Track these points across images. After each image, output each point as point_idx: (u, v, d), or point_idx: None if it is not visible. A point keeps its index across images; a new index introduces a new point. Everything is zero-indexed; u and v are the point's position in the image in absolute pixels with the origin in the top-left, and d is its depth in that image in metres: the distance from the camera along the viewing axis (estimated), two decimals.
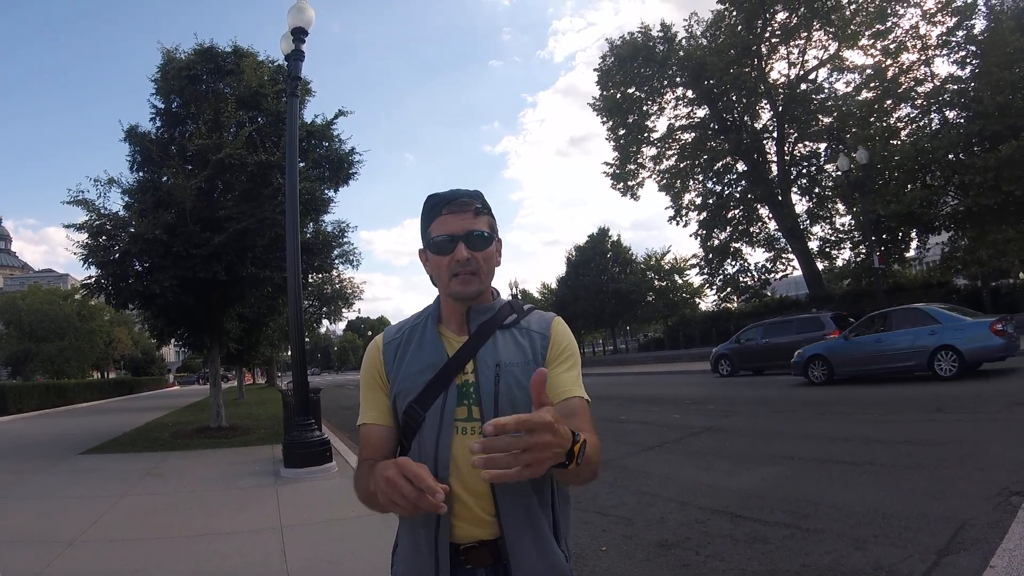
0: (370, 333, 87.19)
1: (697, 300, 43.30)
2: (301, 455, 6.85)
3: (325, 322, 37.75)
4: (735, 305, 35.23)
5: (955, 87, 21.85)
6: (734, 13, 29.36)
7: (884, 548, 3.35)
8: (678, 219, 34.64)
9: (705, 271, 35.70)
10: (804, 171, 31.47)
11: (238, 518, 5.09)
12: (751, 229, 33.38)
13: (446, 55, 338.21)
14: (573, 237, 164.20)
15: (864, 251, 25.14)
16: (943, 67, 23.96)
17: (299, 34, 7.38)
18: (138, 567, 3.93)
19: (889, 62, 25.05)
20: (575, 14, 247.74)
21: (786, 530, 3.84)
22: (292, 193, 7.34)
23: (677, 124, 33.84)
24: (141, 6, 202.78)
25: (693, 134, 33.80)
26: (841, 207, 28.93)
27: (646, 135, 34.59)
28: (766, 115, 31.68)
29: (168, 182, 10.00)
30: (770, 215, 31.83)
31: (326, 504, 5.51)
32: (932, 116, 23.50)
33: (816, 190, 30.94)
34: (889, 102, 24.54)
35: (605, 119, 34.74)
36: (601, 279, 43.22)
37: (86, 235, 9.85)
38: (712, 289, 37.09)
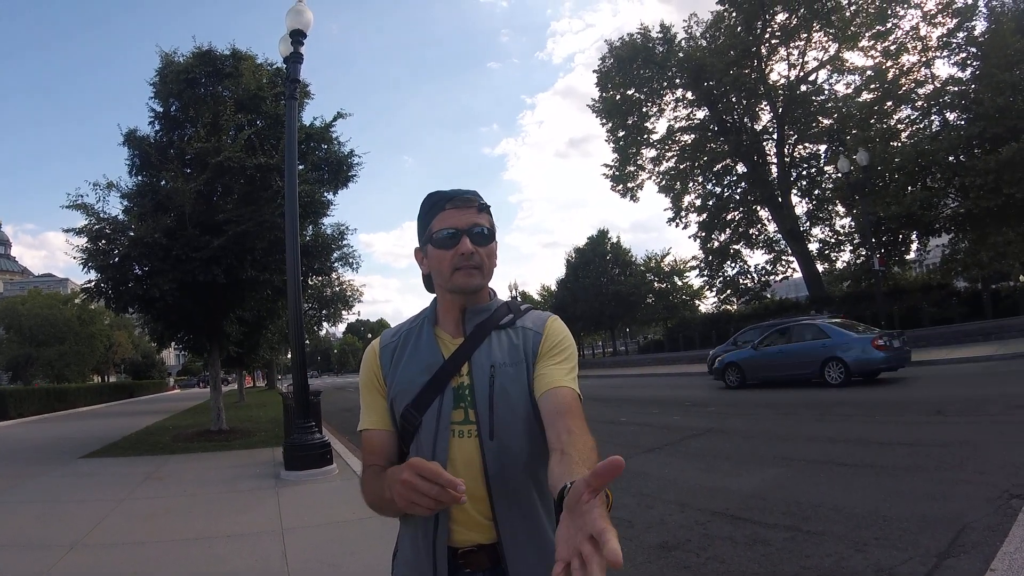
0: (370, 336, 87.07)
1: (697, 302, 43.17)
2: (301, 458, 6.86)
3: (325, 325, 37.65)
4: (735, 307, 35.20)
5: (955, 89, 21.84)
6: (734, 14, 29.33)
7: (885, 550, 3.34)
8: (678, 221, 34.74)
9: (705, 273, 35.71)
10: (804, 173, 31.49)
11: (239, 521, 5.09)
12: (751, 231, 33.39)
13: (445, 57, 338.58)
14: (572, 239, 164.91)
15: (864, 253, 25.06)
16: (943, 69, 24.06)
17: (298, 36, 7.38)
18: (139, 571, 3.93)
19: (889, 63, 25.09)
20: (574, 15, 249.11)
21: (787, 532, 3.84)
22: (291, 196, 7.34)
23: (677, 125, 33.90)
24: (139, 11, 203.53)
25: (693, 135, 33.82)
26: (841, 209, 28.86)
27: (646, 136, 34.63)
28: (766, 116, 31.74)
29: (167, 186, 10.02)
30: (770, 217, 31.83)
31: (327, 507, 5.52)
32: (932, 118, 23.49)
33: (816, 192, 30.93)
34: (889, 104, 24.57)
35: (604, 121, 34.79)
36: (601, 281, 43.05)
37: (86, 239, 9.86)
38: (712, 291, 37.15)
